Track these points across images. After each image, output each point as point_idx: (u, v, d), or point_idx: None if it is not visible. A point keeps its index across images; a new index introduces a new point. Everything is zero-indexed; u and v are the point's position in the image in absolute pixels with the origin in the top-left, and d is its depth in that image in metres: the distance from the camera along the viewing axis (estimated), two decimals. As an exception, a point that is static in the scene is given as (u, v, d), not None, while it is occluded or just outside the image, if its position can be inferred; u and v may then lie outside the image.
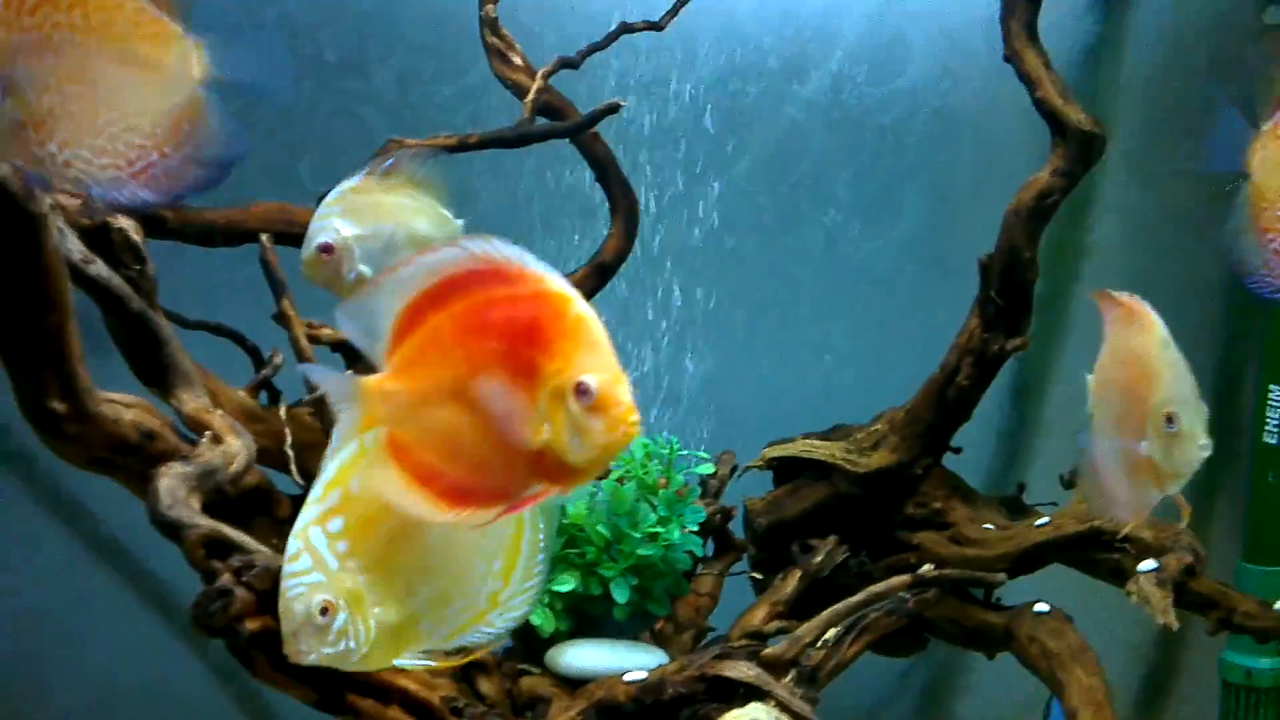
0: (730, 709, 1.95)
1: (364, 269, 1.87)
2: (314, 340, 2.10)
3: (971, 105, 2.92)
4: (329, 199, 1.88)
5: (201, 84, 1.46)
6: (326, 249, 1.85)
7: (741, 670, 1.99)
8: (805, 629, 2.21)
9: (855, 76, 2.89)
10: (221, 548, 1.59)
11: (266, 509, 1.97)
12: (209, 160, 1.47)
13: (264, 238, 2.06)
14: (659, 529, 2.16)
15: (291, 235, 2.22)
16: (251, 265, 2.58)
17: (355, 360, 2.20)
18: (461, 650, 1.48)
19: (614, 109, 2.19)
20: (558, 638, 2.18)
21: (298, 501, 2.07)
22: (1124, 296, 1.79)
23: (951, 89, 2.92)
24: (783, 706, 1.94)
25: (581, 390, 1.22)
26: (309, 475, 2.03)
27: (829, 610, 2.23)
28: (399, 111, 2.71)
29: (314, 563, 1.34)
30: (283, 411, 2.01)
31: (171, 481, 1.60)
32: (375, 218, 1.88)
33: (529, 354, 1.25)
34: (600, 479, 2.26)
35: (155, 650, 2.76)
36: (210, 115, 1.46)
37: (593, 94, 2.49)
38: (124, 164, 1.41)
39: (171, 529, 1.56)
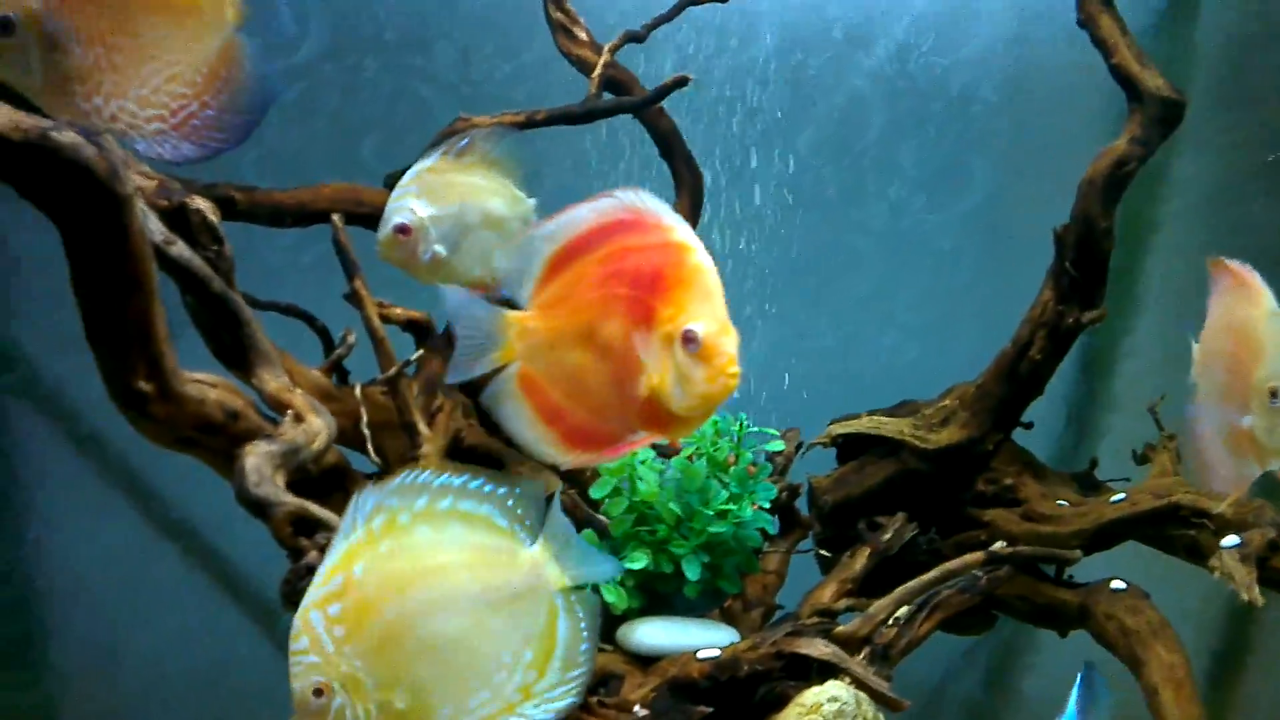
0: (806, 686, 1.94)
1: (439, 249, 1.86)
2: (385, 319, 2.11)
3: (1042, 73, 2.85)
4: (405, 180, 1.88)
5: (236, 27, 1.46)
6: (403, 230, 1.85)
7: (817, 648, 1.98)
8: (878, 606, 2.19)
9: (921, 45, 2.84)
10: (307, 525, 1.60)
11: (343, 486, 1.99)
12: (246, 107, 1.47)
13: (335, 218, 2.07)
14: (730, 506, 2.15)
15: (360, 215, 2.23)
16: (316, 247, 2.60)
17: (425, 339, 2.21)
18: None
19: (682, 82, 2.17)
20: (629, 615, 2.18)
21: (373, 480, 2.10)
22: (1236, 265, 1.74)
23: (1021, 57, 2.85)
24: (859, 683, 1.93)
25: (688, 337, 1.26)
26: (383, 455, 2.05)
27: (902, 588, 2.21)
28: (459, 89, 2.71)
29: (311, 644, 1.33)
30: (358, 391, 2.02)
31: (257, 460, 1.61)
32: (450, 198, 1.87)
33: (649, 301, 1.29)
34: (669, 455, 2.25)
35: (221, 630, 2.81)
36: (245, 58, 1.47)
37: (653, 69, 2.47)
38: (167, 114, 1.41)
39: (258, 507, 1.58)
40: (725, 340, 1.27)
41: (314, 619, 1.33)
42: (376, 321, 2.04)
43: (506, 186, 1.91)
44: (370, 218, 2.24)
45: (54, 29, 1.33)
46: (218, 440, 1.70)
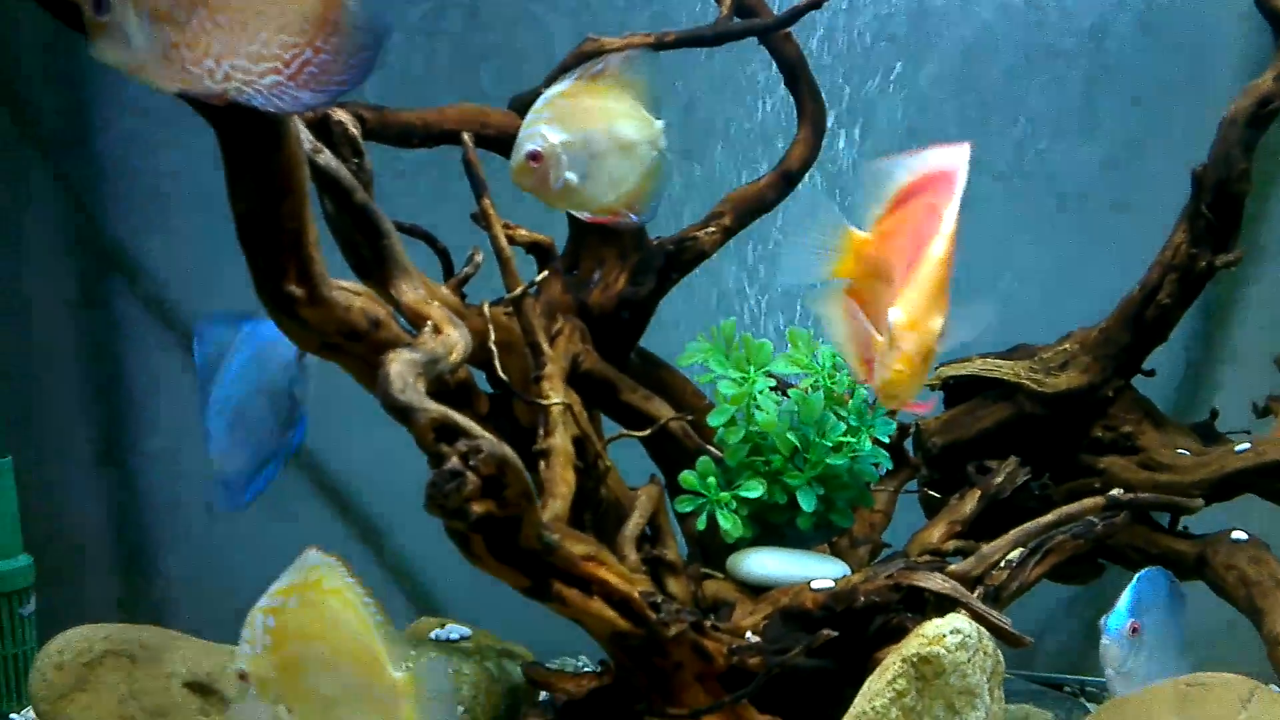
0: (923, 620, 1.93)
1: (570, 175, 1.86)
2: (510, 240, 2.12)
3: (1180, 7, 2.73)
4: (537, 105, 1.87)
5: None
6: (534, 156, 1.85)
7: (936, 582, 1.97)
8: (992, 547, 2.17)
9: (1055, -24, 2.75)
10: (449, 432, 1.62)
11: (469, 403, 2.01)
12: (360, 46, 1.44)
13: (466, 137, 2.07)
14: (848, 439, 2.13)
15: (485, 137, 2.23)
16: (430, 173, 2.61)
17: (548, 262, 2.22)
18: None
19: (816, 4, 2.12)
20: (739, 544, 2.19)
21: (495, 399, 2.13)
22: None
23: (1159, -10, 2.75)
24: (979, 618, 1.92)
25: (891, 319, 1.29)
26: (505, 373, 2.07)
27: (1017, 530, 2.19)
28: (579, 14, 2.69)
29: (251, 637, 1.58)
30: (485, 309, 2.03)
31: (401, 367, 1.63)
32: (581, 123, 1.86)
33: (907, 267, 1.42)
34: (786, 388, 2.24)
35: (330, 546, 2.87)
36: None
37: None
38: (281, 66, 1.39)
39: (402, 412, 1.60)
40: (906, 338, 1.33)
41: (258, 620, 1.58)
42: (503, 241, 2.05)
43: (638, 109, 1.90)
44: (496, 140, 2.25)
45: (153, 1, 1.31)
46: (360, 347, 1.72)
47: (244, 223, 1.60)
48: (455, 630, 2.45)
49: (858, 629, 2.01)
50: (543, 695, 2.32)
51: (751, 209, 2.37)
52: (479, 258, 2.11)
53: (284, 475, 2.84)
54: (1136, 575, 2.12)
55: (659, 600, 1.91)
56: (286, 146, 1.54)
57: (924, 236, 1.40)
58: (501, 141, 2.27)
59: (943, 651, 1.77)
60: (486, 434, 1.66)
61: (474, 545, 1.73)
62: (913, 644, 1.80)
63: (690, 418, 2.23)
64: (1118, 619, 2.05)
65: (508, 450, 1.68)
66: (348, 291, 1.70)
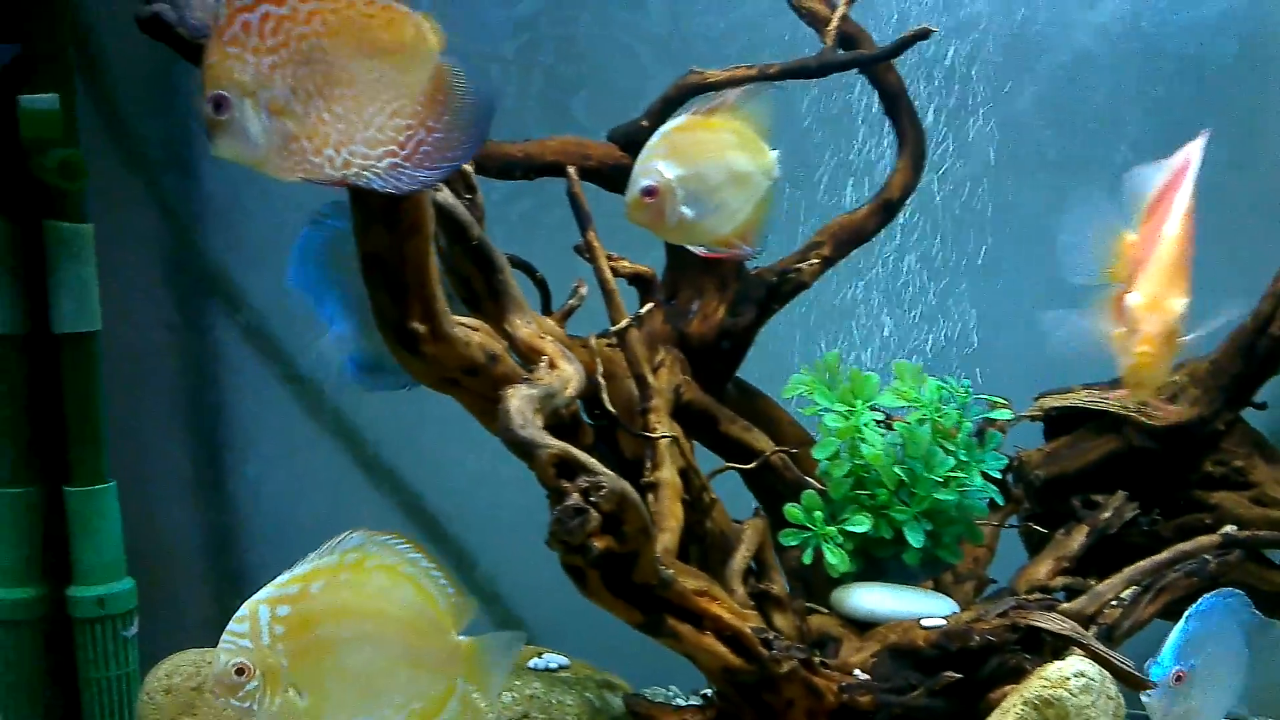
0: (1040, 661, 1.89)
1: (685, 211, 1.85)
2: (614, 273, 2.12)
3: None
4: (653, 140, 1.88)
5: (440, 52, 1.49)
6: (650, 192, 1.85)
7: (1055, 622, 1.93)
8: (1106, 585, 2.12)
9: (1156, 2, 2.69)
10: (569, 468, 1.62)
11: (574, 435, 2.01)
12: (469, 121, 1.49)
13: (570, 170, 2.08)
14: (957, 474, 2.10)
15: (586, 170, 2.24)
16: (523, 202, 2.63)
17: (648, 293, 2.22)
18: None
19: (924, 35, 2.10)
20: (843, 579, 2.16)
21: (600, 431, 2.13)
22: None
23: (1267, 15, 2.67)
24: (1099, 659, 1.87)
25: (1128, 303, 1.29)
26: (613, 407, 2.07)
27: (1131, 568, 2.14)
28: (669, 44, 2.70)
29: (250, 630, 1.54)
30: (593, 342, 2.04)
31: (520, 403, 1.64)
32: (697, 157, 1.86)
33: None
34: (890, 423, 2.21)
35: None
36: (457, 78, 1.49)
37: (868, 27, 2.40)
38: (397, 148, 1.44)
39: (524, 448, 1.60)
40: (1148, 317, 1.32)
41: (261, 612, 1.54)
42: (608, 273, 2.06)
43: (754, 141, 1.89)
44: (596, 172, 2.26)
45: (270, 96, 1.37)
46: (477, 382, 1.74)
47: (371, 263, 1.63)
48: (553, 660, 2.44)
49: (970, 669, 1.97)
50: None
51: (850, 239, 2.35)
52: (584, 290, 2.12)
53: (380, 501, 2.89)
54: (1186, 614, 1.95)
55: (771, 636, 1.89)
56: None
57: (1160, 223, 1.45)
58: (601, 174, 2.29)
59: (1066, 695, 1.73)
60: (606, 470, 1.66)
61: (589, 580, 1.73)
62: (1034, 686, 1.76)
63: (794, 450, 2.21)
64: (1160, 669, 1.93)
65: (627, 486, 1.68)
66: (466, 327, 1.72)
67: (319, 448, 2.88)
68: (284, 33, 1.38)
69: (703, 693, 2.23)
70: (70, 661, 2.69)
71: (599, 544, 1.61)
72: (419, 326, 1.64)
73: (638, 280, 2.19)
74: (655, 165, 1.84)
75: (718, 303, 2.32)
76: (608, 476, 1.64)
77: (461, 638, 1.62)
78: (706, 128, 1.87)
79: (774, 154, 1.93)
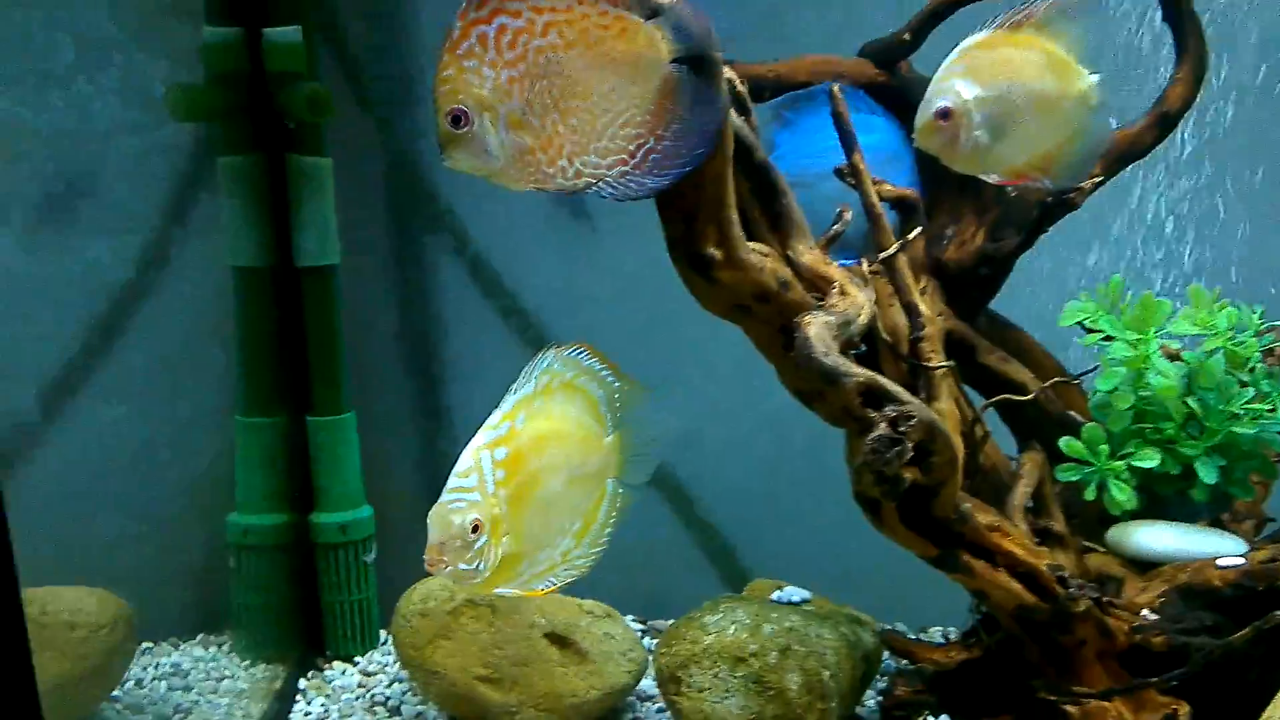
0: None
1: (980, 135, 1.72)
2: (879, 196, 2.03)
3: None
4: (951, 56, 1.73)
5: (670, 61, 1.47)
6: (944, 114, 1.72)
7: (1380, 566, 1.78)
8: None
9: None
10: (875, 398, 1.56)
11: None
12: (698, 128, 1.49)
13: (835, 88, 1.97)
14: (1258, 405, 1.95)
15: (839, 88, 2.14)
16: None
17: (912, 218, 2.12)
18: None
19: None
20: (1121, 517, 2.05)
21: (860, 360, 2.05)
22: None
23: None
24: None
25: None
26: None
27: None
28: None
29: (478, 482, 1.38)
30: (865, 267, 1.95)
31: (820, 330, 1.58)
32: (999, 76, 1.72)
33: None
34: (1172, 357, 2.06)
35: (641, 514, 2.88)
36: (685, 86, 1.48)
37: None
38: (628, 158, 1.46)
39: (828, 376, 1.55)
40: None
41: (484, 459, 1.40)
42: (875, 198, 1.96)
43: (1064, 63, 1.73)
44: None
45: (509, 110, 1.39)
46: (767, 309, 1.68)
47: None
48: (795, 593, 2.42)
49: (1268, 610, 1.85)
50: (888, 662, 2.27)
51: (1125, 154, 2.18)
52: (849, 214, 2.03)
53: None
54: None
55: (1066, 575, 1.81)
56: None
57: None
58: (857, 92, 2.18)
59: None
60: (914, 399, 1.60)
61: (885, 513, 1.68)
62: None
63: (1067, 380, 2.09)
64: None
65: (935, 417, 1.61)
66: (759, 253, 1.66)
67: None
68: (521, 45, 1.38)
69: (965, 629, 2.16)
70: (313, 586, 2.80)
71: (908, 475, 1.55)
72: (715, 252, 1.59)
73: (900, 204, 2.08)
74: (954, 84, 1.71)
75: (976, 227, 2.20)
76: (916, 406, 1.58)
77: (608, 437, 1.50)
78: (1013, 44, 1.73)
79: (1093, 79, 1.77)
